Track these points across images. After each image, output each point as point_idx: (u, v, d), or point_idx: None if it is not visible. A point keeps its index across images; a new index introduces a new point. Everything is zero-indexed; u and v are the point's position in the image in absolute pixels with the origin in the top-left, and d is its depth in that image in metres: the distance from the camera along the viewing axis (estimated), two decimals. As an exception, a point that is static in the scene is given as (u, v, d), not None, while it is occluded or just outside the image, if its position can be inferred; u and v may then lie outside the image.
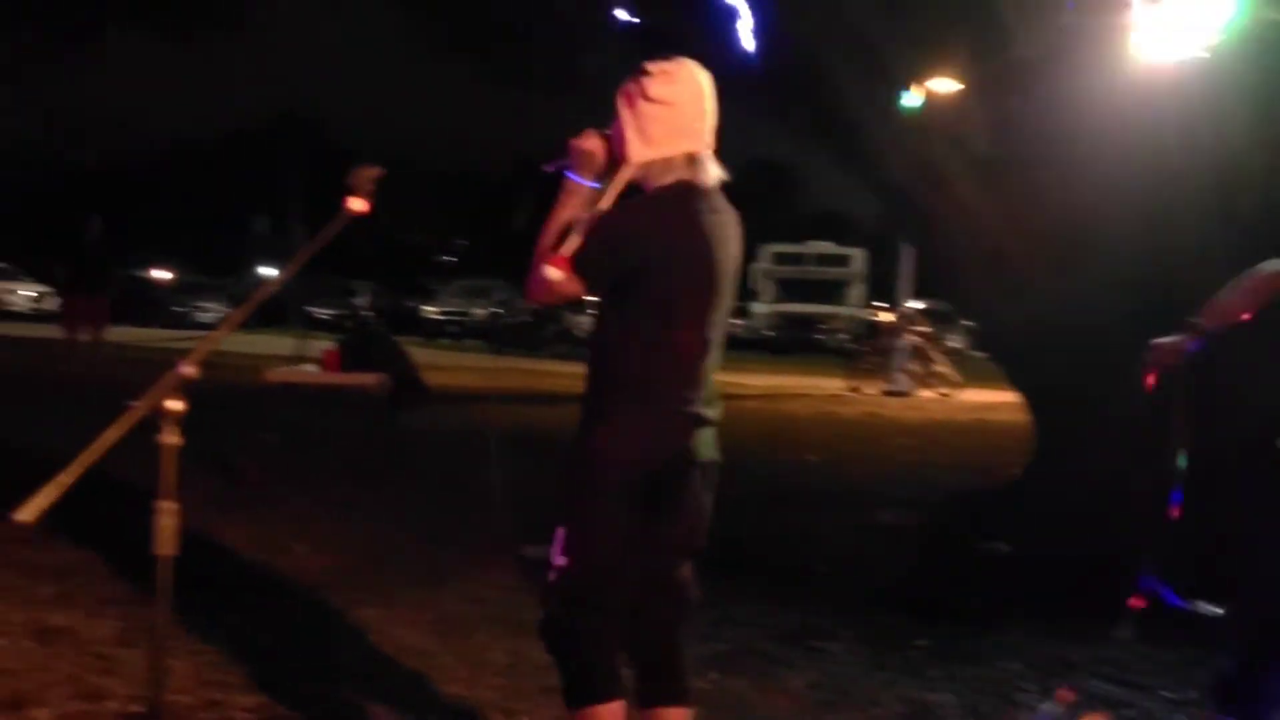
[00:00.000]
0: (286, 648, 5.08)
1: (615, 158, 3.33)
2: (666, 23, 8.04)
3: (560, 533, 3.30)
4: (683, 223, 3.24)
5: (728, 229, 3.35)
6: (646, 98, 3.27)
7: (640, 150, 3.27)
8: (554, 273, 3.16)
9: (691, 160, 3.31)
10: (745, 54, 7.32)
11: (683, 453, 3.34)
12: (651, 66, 3.30)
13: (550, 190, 3.38)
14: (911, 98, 7.12)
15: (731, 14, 7.29)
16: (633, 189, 3.31)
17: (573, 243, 3.17)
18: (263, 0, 16.15)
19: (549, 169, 3.40)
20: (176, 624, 5.04)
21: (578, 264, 3.17)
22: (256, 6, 16.09)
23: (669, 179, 3.29)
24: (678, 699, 3.51)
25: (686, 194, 3.28)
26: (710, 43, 7.54)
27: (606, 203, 3.25)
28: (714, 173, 3.35)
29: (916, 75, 7.22)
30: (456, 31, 12.52)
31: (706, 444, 3.42)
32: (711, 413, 3.43)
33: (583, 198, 3.31)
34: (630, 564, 3.33)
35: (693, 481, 3.40)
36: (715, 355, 3.42)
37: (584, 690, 3.33)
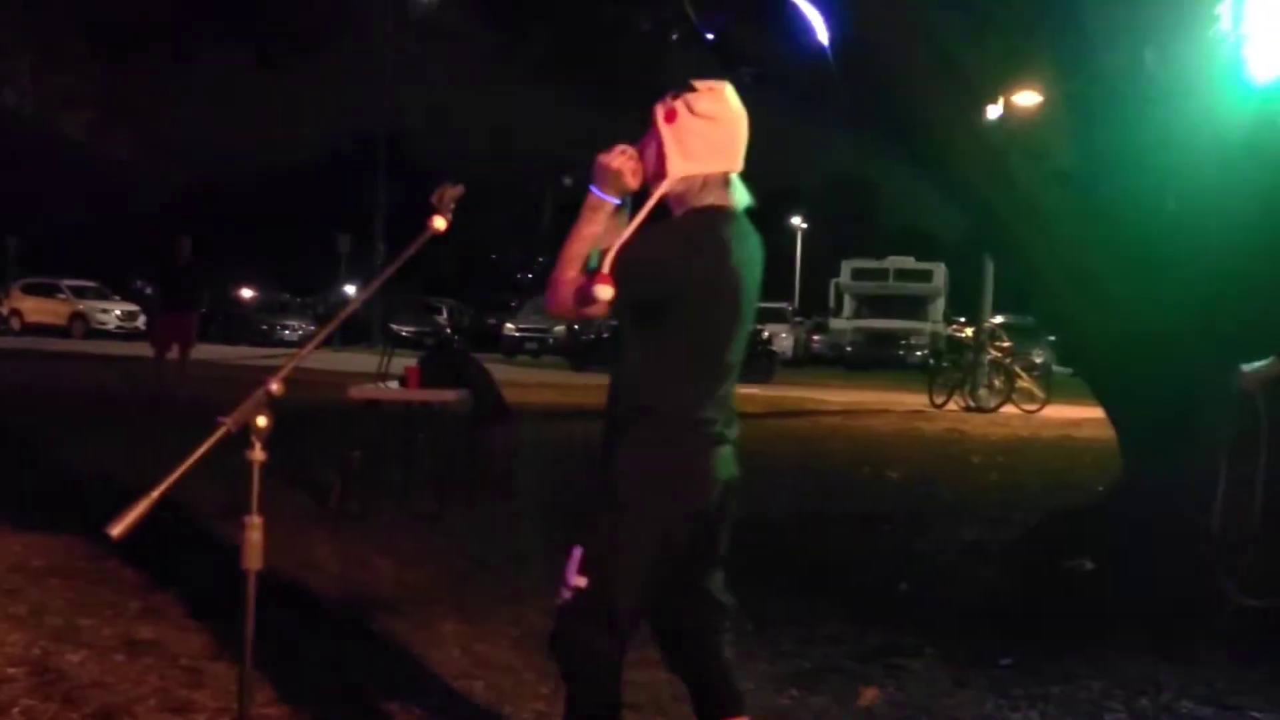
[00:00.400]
0: (370, 662, 5.13)
1: (647, 174, 3.30)
2: (749, 38, 8.04)
3: (577, 552, 3.26)
4: (718, 251, 3.22)
5: (754, 253, 3.34)
6: (693, 112, 3.24)
7: (681, 165, 3.24)
8: (605, 291, 3.14)
9: (726, 182, 3.30)
10: (826, 68, 7.30)
11: (716, 488, 3.34)
12: (698, 83, 3.29)
13: (571, 200, 3.38)
14: (994, 111, 7.07)
15: (813, 29, 7.27)
16: (663, 205, 3.30)
17: (610, 261, 3.15)
18: (351, 23, 16.33)
19: (568, 182, 3.40)
20: (262, 637, 5.11)
21: (616, 282, 3.14)
22: (345, 30, 16.27)
23: (706, 199, 3.27)
24: (734, 708, 3.51)
25: (720, 220, 3.27)
26: (792, 57, 7.53)
27: (642, 217, 3.23)
28: (745, 197, 3.34)
29: (999, 88, 7.17)
30: (545, 54, 12.61)
31: (729, 464, 3.39)
32: (733, 433, 3.41)
33: (605, 214, 3.29)
34: (653, 591, 3.32)
35: (727, 508, 3.42)
36: (735, 376, 3.42)
37: (591, 714, 3.35)
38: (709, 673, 3.51)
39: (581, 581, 3.25)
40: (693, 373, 3.27)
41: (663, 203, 3.29)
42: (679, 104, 3.27)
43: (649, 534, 3.24)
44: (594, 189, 3.30)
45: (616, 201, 3.30)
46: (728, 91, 3.31)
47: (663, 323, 3.21)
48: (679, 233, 3.26)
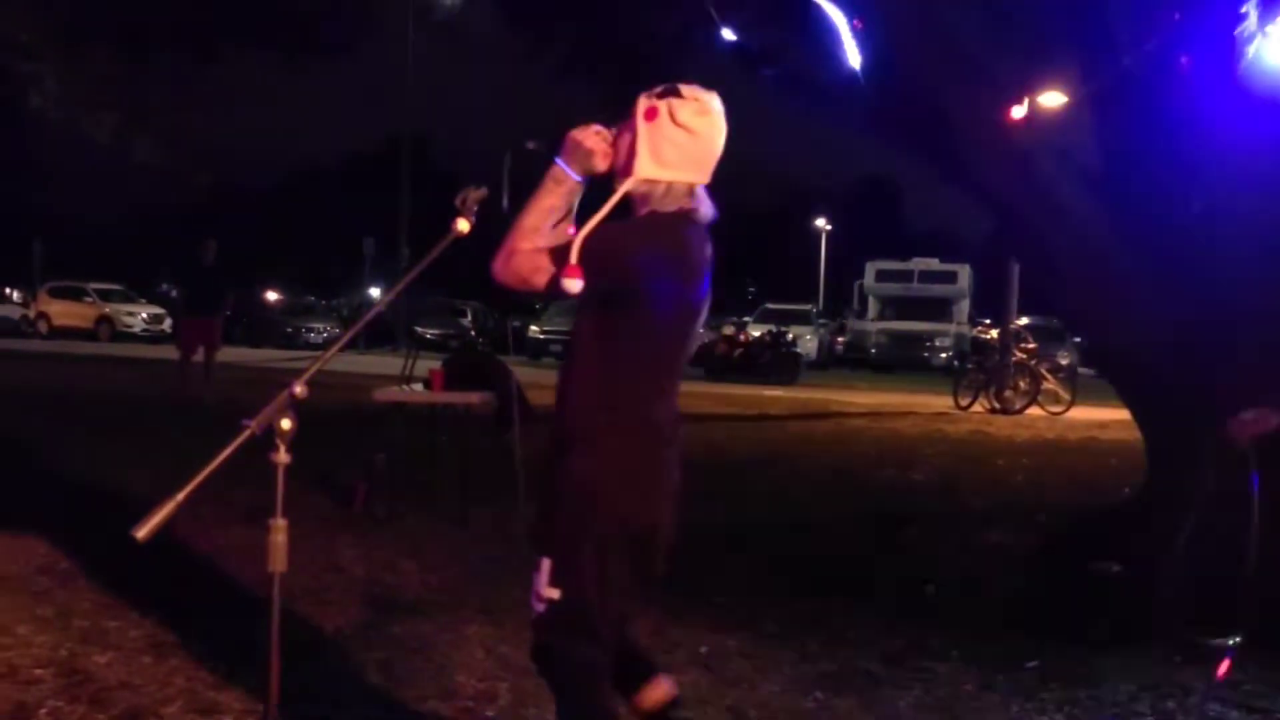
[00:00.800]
0: (395, 664, 5.14)
1: (615, 163, 3.27)
2: (771, 41, 8.03)
3: (546, 563, 3.23)
4: (684, 254, 3.22)
5: (708, 263, 3.31)
6: (674, 119, 3.20)
7: (649, 167, 3.21)
8: (574, 285, 3.09)
9: (692, 192, 3.28)
10: (849, 69, 7.29)
11: (671, 488, 3.32)
12: (686, 90, 3.24)
13: (524, 170, 3.35)
14: (1019, 111, 7.03)
15: (835, 30, 7.26)
16: (623, 204, 3.26)
17: (577, 252, 3.11)
18: (374, 25, 16.36)
19: (531, 146, 3.36)
20: (288, 640, 5.13)
21: (584, 274, 3.10)
22: (368, 32, 16.31)
23: (670, 205, 3.24)
24: (653, 672, 3.54)
25: (689, 225, 3.26)
26: (814, 59, 7.52)
27: (606, 210, 3.19)
28: (710, 210, 3.32)
29: (1023, 88, 7.13)
30: (569, 55, 12.62)
31: (675, 467, 3.36)
32: (678, 436, 3.37)
33: (567, 189, 3.26)
34: (625, 593, 3.31)
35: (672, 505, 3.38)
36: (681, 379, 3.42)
37: None
38: (625, 651, 3.45)
39: (554, 593, 3.20)
40: (651, 373, 3.27)
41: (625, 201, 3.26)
42: (662, 105, 3.22)
43: (615, 537, 3.21)
44: (560, 162, 3.26)
45: (579, 179, 3.28)
46: (714, 104, 3.27)
47: (624, 320, 3.19)
48: (649, 232, 3.22)
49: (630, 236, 3.21)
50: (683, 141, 3.22)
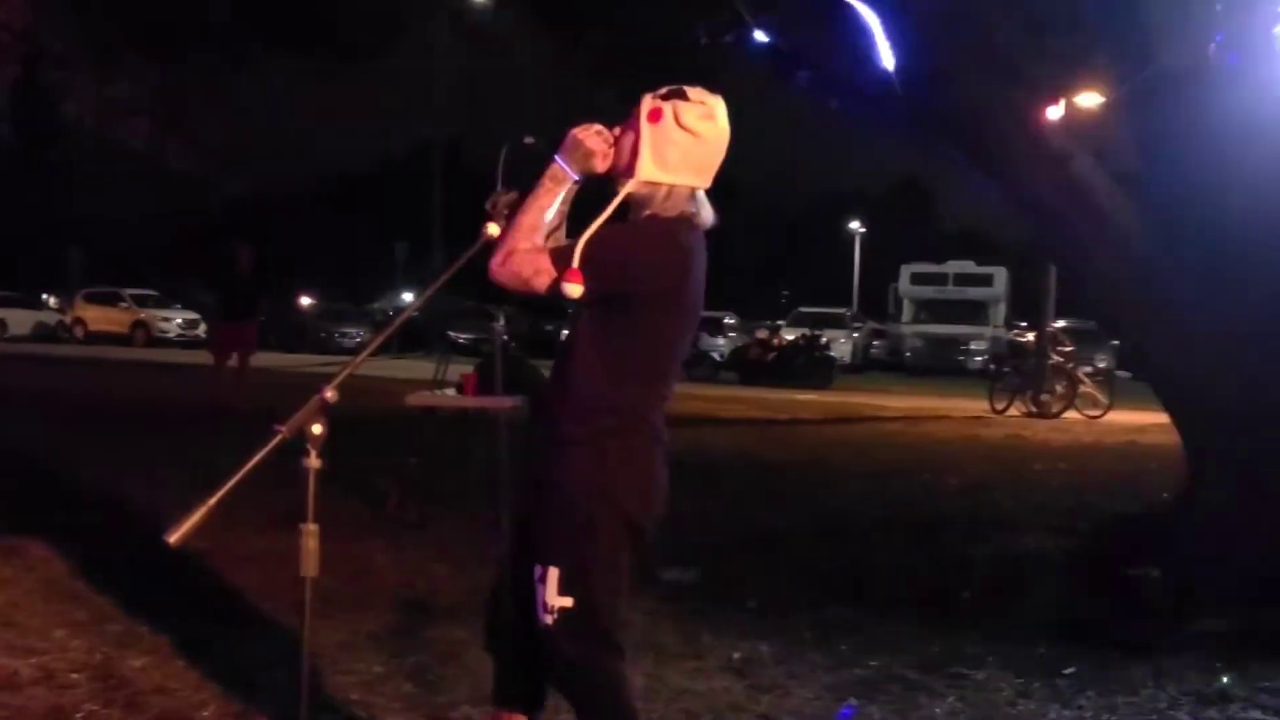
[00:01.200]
0: (429, 669, 5.12)
1: (617, 164, 3.24)
2: (805, 43, 7.98)
3: (554, 572, 3.18)
4: (684, 259, 3.21)
5: (704, 269, 3.31)
6: (679, 123, 3.17)
7: (651, 169, 3.18)
8: (575, 289, 3.07)
9: (693, 197, 3.26)
10: (882, 71, 7.24)
11: (664, 489, 3.31)
12: (692, 93, 3.21)
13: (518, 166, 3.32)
14: (1055, 112, 6.97)
15: (869, 31, 7.21)
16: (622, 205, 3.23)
17: (580, 255, 3.09)
18: (405, 30, 16.43)
19: (529, 141, 3.33)
20: (321, 643, 5.13)
21: (585, 277, 3.09)
22: (398, 36, 16.39)
23: (672, 209, 3.22)
24: (531, 707, 3.55)
25: (690, 230, 3.24)
26: (849, 61, 7.48)
27: (608, 213, 3.17)
28: (710, 216, 3.30)
29: (1060, 89, 7.07)
30: (599, 59, 12.63)
31: (665, 468, 3.36)
32: (667, 438, 3.37)
33: (565, 187, 3.24)
34: (626, 591, 3.29)
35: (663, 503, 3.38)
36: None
37: None
38: (526, 664, 3.43)
39: (566, 601, 3.17)
40: (648, 375, 3.25)
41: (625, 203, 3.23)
42: (667, 107, 3.19)
43: (619, 539, 3.20)
44: (560, 160, 3.24)
45: (577, 178, 3.25)
46: (719, 108, 3.24)
47: (624, 323, 3.17)
48: (650, 236, 3.21)
49: (633, 241, 3.19)
50: (686, 145, 3.19)
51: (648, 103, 3.21)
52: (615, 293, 3.14)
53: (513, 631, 3.41)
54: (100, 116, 14.64)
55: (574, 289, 3.08)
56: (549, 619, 3.18)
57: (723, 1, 8.00)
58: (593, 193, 3.30)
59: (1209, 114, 6.67)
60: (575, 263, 3.08)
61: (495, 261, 3.18)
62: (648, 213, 3.22)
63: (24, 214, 57.04)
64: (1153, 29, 6.95)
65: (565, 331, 3.35)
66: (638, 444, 3.23)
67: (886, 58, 7.18)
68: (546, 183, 3.23)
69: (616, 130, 3.27)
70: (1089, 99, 7.14)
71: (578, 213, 3.29)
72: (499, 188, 3.34)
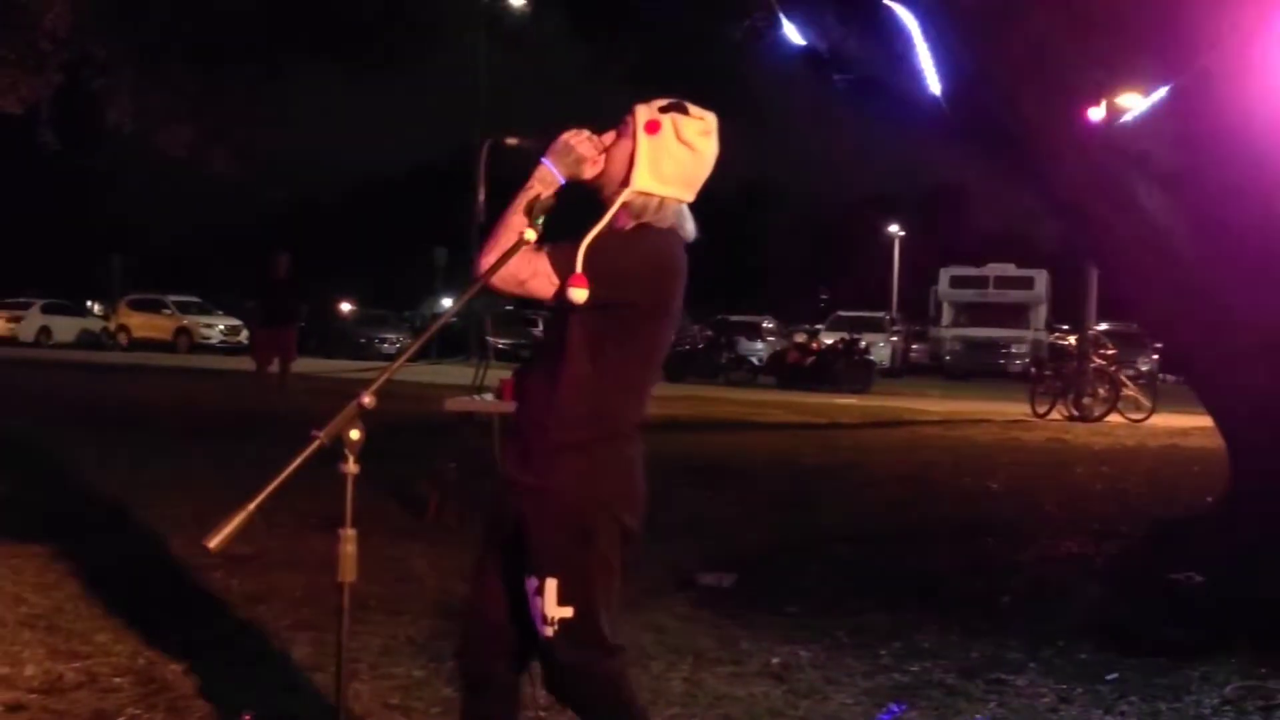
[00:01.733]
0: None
1: (607, 174, 3.22)
2: (842, 45, 7.98)
3: (553, 584, 3.15)
4: (679, 270, 3.24)
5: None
6: (678, 136, 3.18)
7: (646, 180, 3.17)
8: (580, 294, 3.07)
9: (681, 211, 3.27)
10: (919, 73, 7.22)
11: (644, 485, 3.31)
12: (692, 108, 3.22)
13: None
14: (1096, 113, 6.93)
15: (907, 33, 7.19)
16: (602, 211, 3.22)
17: (582, 261, 3.08)
18: (442, 36, 16.49)
19: (512, 143, 3.31)
20: (360, 648, 5.15)
21: (589, 277, 3.08)
22: (437, 42, 16.45)
23: (666, 222, 3.22)
24: None
25: (679, 242, 3.26)
26: (886, 63, 7.46)
27: (606, 221, 3.15)
28: (692, 229, 3.31)
29: (1101, 90, 7.03)
30: (637, 63, 12.65)
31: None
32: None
33: (551, 190, 3.21)
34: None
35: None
36: None
37: None
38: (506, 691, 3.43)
39: (566, 612, 3.15)
40: (636, 381, 3.27)
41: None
42: (666, 120, 3.19)
43: (615, 545, 3.21)
44: (549, 163, 3.23)
45: (564, 183, 3.24)
46: (715, 126, 3.25)
47: (618, 330, 3.18)
48: (652, 248, 3.21)
49: (635, 250, 3.20)
50: (683, 159, 3.20)
51: (644, 113, 3.21)
52: (617, 301, 3.15)
53: (492, 657, 3.40)
54: (142, 124, 14.74)
55: (579, 293, 3.08)
56: (549, 630, 3.17)
57: (759, 4, 7.99)
58: (572, 199, 3.29)
59: (1251, 114, 6.61)
60: (578, 268, 3.08)
61: (484, 262, 3.15)
62: (639, 222, 3.21)
63: (68, 221, 57.62)
64: (1193, 28, 6.90)
65: (541, 336, 3.33)
66: (627, 450, 3.25)
67: (924, 59, 7.16)
68: (534, 184, 3.22)
69: (608, 137, 3.27)
70: (1130, 99, 7.10)
71: (555, 220, 3.26)
72: (479, 189, 3.37)
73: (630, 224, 3.21)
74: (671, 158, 3.18)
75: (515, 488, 3.25)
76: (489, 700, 3.43)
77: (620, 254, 3.15)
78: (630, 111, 3.24)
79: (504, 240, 3.16)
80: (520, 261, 3.13)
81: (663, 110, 3.21)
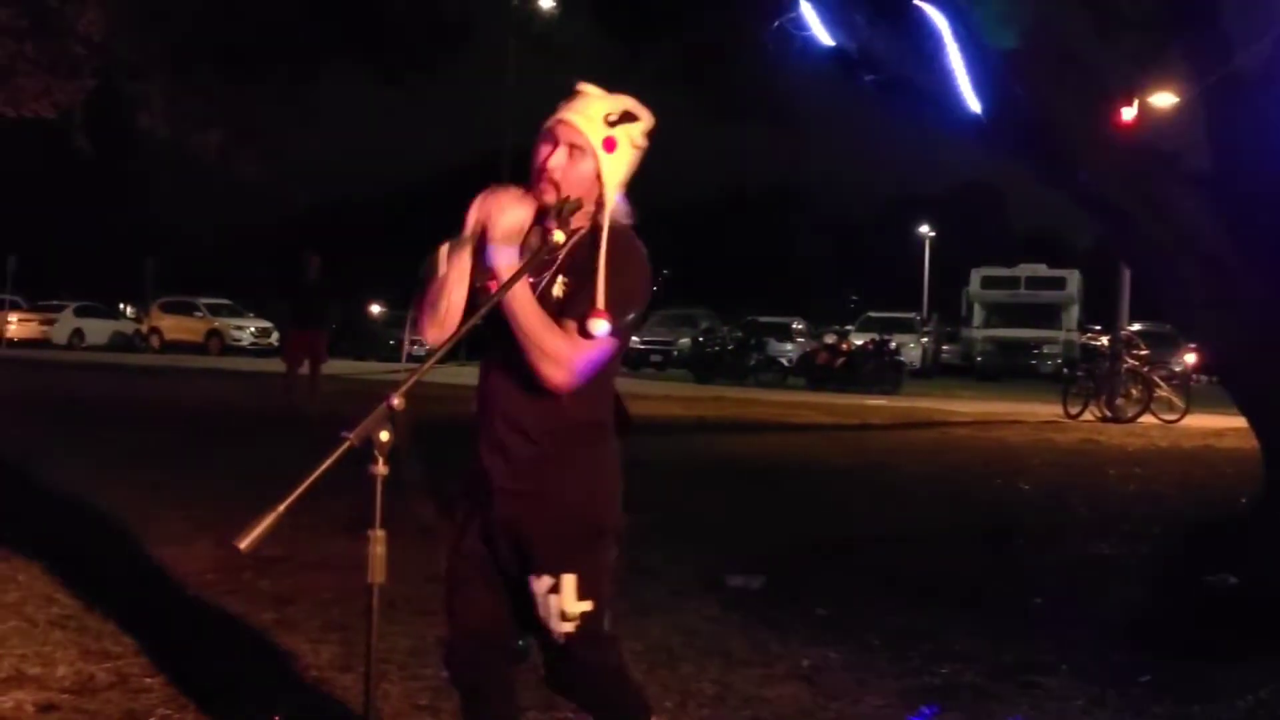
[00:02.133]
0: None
1: (579, 197, 3.13)
2: (872, 45, 7.94)
3: (571, 579, 3.18)
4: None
5: None
6: (633, 145, 3.20)
7: (614, 194, 3.18)
8: (602, 326, 3.05)
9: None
10: (953, 76, 7.19)
11: None
12: (637, 110, 3.21)
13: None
14: (1129, 113, 6.88)
15: (937, 33, 7.16)
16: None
17: (604, 299, 3.06)
18: (471, 39, 16.56)
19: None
20: (389, 649, 5.16)
21: (612, 315, 3.08)
22: (465, 46, 16.53)
23: (626, 219, 3.23)
24: None
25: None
26: (916, 63, 7.43)
27: (606, 253, 3.09)
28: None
29: (1132, 91, 6.99)
30: (665, 64, 12.64)
31: None
32: None
33: (514, 264, 3.09)
34: None
35: None
36: None
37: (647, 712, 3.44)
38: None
39: (586, 606, 3.21)
40: (611, 380, 3.33)
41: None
42: (619, 133, 3.16)
43: (619, 537, 3.34)
44: (501, 255, 3.11)
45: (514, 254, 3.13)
46: (651, 119, 3.26)
47: (621, 338, 3.20)
48: (637, 256, 3.22)
49: (641, 265, 3.22)
50: (634, 159, 3.24)
51: (594, 131, 3.14)
52: (633, 318, 3.21)
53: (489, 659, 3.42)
54: (174, 128, 14.84)
55: (601, 325, 3.06)
56: (569, 626, 3.20)
57: (788, 5, 7.96)
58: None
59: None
60: (600, 303, 3.06)
61: (561, 378, 3.09)
62: (610, 229, 3.17)
63: (100, 225, 58.06)
64: (1226, 27, 6.86)
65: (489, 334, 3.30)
66: (614, 446, 3.32)
67: (954, 59, 7.13)
68: (504, 276, 3.08)
69: (546, 151, 3.17)
70: (1162, 100, 7.05)
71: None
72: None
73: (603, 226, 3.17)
74: (628, 164, 3.22)
75: (507, 493, 3.25)
76: (489, 701, 3.44)
77: (633, 277, 3.18)
78: (559, 121, 3.17)
79: (549, 345, 3.08)
80: (578, 353, 3.08)
81: (613, 125, 3.17)
